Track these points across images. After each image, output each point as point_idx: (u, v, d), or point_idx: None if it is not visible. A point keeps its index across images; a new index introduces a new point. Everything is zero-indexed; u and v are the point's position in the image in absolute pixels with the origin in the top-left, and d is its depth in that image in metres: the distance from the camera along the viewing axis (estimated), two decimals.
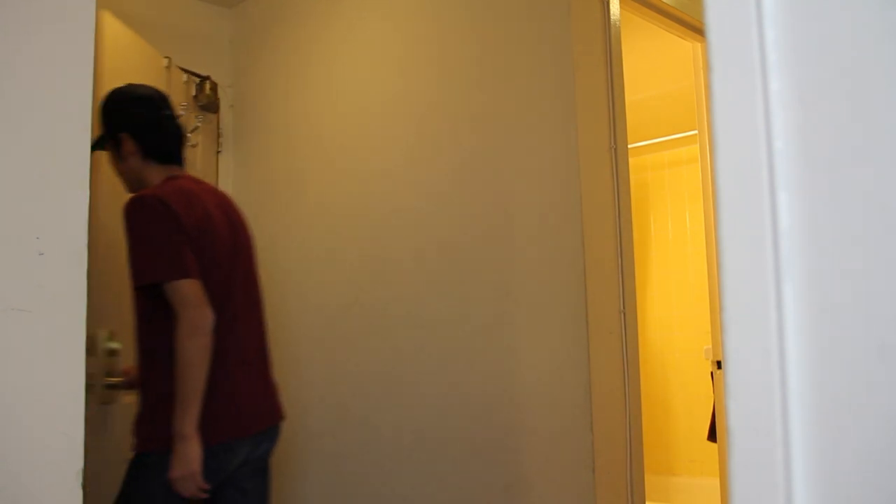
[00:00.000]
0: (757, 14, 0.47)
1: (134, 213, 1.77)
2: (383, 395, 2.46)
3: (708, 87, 0.51)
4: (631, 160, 2.23)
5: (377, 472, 2.46)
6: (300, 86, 2.91)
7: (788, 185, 0.46)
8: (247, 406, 1.85)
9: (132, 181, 1.95)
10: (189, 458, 1.69)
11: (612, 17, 2.18)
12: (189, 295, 1.71)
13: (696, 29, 2.64)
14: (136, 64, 2.55)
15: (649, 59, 3.74)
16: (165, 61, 2.75)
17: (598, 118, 2.11)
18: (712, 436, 3.10)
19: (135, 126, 1.91)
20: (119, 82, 2.34)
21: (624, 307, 2.09)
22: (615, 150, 2.13)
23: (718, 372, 2.90)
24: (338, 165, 2.71)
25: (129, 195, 1.87)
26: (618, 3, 2.21)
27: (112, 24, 2.38)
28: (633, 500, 2.02)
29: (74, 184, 0.89)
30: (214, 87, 3.03)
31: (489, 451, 2.16)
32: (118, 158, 1.93)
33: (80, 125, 0.91)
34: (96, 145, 1.98)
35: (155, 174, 1.91)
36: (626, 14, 2.34)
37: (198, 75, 3.04)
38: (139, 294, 1.81)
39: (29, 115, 0.87)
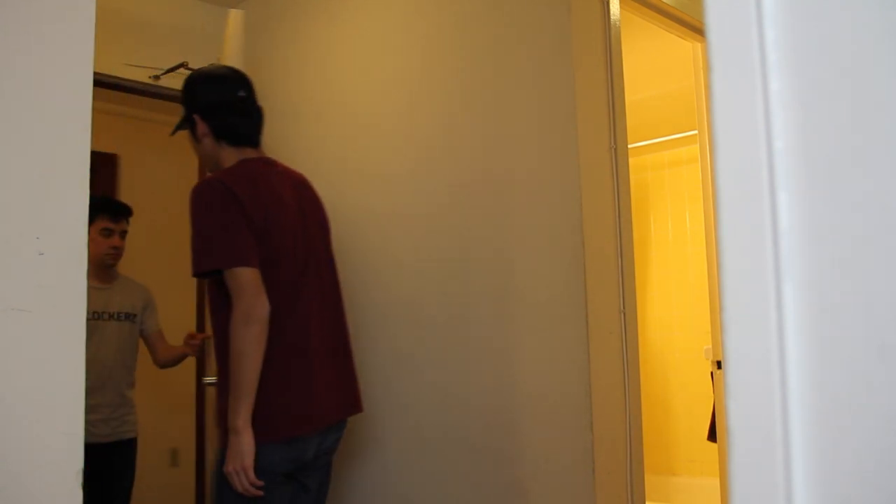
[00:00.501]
0: (757, 14, 0.47)
1: (196, 199, 1.75)
2: (383, 395, 2.45)
3: (708, 87, 0.51)
4: (631, 160, 2.23)
5: (376, 471, 2.46)
6: (301, 85, 2.91)
7: (788, 185, 0.46)
8: (320, 399, 1.80)
9: (209, 163, 1.96)
10: (241, 453, 1.65)
11: (612, 17, 2.18)
12: (245, 283, 1.67)
13: (696, 29, 2.64)
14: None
15: (649, 59, 3.74)
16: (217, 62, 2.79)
17: (598, 118, 2.11)
18: (712, 436, 3.10)
19: (206, 107, 1.90)
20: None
21: (624, 307, 2.09)
22: (615, 150, 2.13)
23: (718, 372, 2.90)
24: (337, 167, 2.71)
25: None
26: (618, 3, 2.21)
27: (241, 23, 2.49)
28: (633, 500, 2.02)
29: (74, 184, 0.89)
30: None
31: (489, 451, 2.16)
32: (194, 140, 1.93)
33: (81, 125, 0.90)
34: (179, 126, 2.01)
35: (229, 156, 1.90)
36: (626, 14, 2.34)
37: None
38: (207, 284, 1.80)
39: (29, 115, 0.87)
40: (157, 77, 3.05)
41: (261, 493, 1.70)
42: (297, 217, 1.87)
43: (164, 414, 4.28)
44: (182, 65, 3.04)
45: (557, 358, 2.04)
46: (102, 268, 2.78)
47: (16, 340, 0.83)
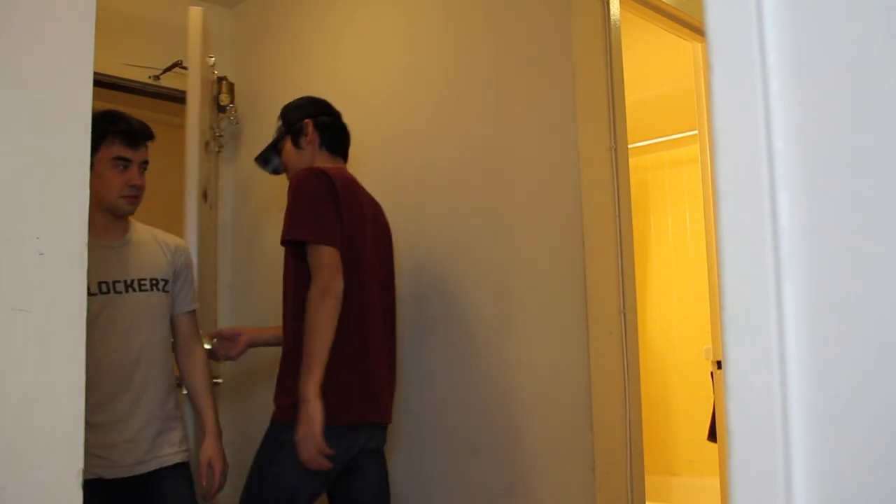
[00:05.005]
0: (757, 14, 0.47)
1: (301, 179, 1.90)
2: None
3: (708, 87, 0.51)
4: (631, 160, 2.23)
5: None
6: (300, 85, 2.91)
7: (788, 185, 0.46)
8: (377, 394, 1.92)
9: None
10: (311, 419, 1.72)
11: (612, 17, 2.18)
12: (326, 260, 1.81)
13: (696, 29, 2.64)
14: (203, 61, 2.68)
15: (649, 59, 3.74)
16: (211, 60, 2.78)
17: (598, 118, 2.11)
18: (712, 436, 3.10)
19: (316, 116, 2.10)
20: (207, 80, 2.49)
21: (624, 307, 2.09)
22: (615, 150, 2.13)
23: (718, 372, 2.90)
24: None
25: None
26: (618, 3, 2.21)
27: (200, 20, 2.55)
28: (633, 500, 2.02)
29: (74, 184, 0.89)
30: (231, 87, 3.07)
31: (489, 451, 2.16)
32: (296, 148, 2.09)
33: (81, 125, 0.90)
34: (262, 157, 2.18)
35: (324, 163, 2.06)
36: (626, 14, 2.34)
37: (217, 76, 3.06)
38: (290, 255, 1.92)
39: (29, 115, 0.87)
40: (156, 77, 3.05)
41: (329, 464, 1.76)
42: (372, 233, 2.02)
43: None
44: (177, 63, 3.03)
45: (557, 358, 2.04)
46: (113, 217, 1.92)
47: (16, 340, 0.83)
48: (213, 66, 2.83)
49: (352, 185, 1.99)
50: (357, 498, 1.96)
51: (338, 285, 1.80)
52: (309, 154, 2.07)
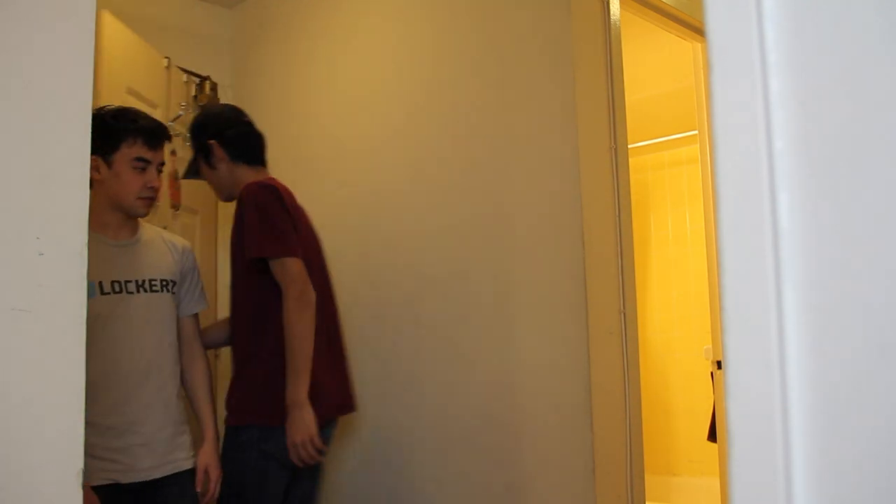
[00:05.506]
0: (757, 14, 0.47)
1: (252, 196, 1.92)
2: (383, 396, 2.45)
3: (708, 87, 0.51)
4: (631, 160, 2.23)
5: (376, 471, 2.46)
6: (300, 85, 2.91)
7: (788, 185, 0.46)
8: (328, 393, 1.97)
9: (225, 187, 2.09)
10: (307, 423, 1.82)
11: (612, 17, 2.18)
12: (296, 271, 1.86)
13: (696, 29, 2.64)
14: (135, 64, 2.55)
15: (649, 59, 3.74)
16: (165, 61, 2.75)
17: (598, 118, 2.11)
18: (712, 436, 3.10)
19: (220, 133, 2.06)
20: (118, 82, 2.33)
21: (624, 307, 2.09)
22: (615, 150, 2.13)
23: (718, 372, 2.90)
24: (337, 166, 2.71)
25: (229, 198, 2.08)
26: (618, 3, 2.21)
27: (112, 24, 2.39)
28: (633, 500, 2.02)
29: (74, 184, 0.89)
30: (214, 86, 3.03)
31: (489, 451, 2.16)
32: (210, 168, 2.08)
33: (81, 125, 0.90)
34: (188, 172, 2.16)
35: (247, 176, 2.05)
36: (626, 14, 2.34)
37: (197, 75, 3.04)
38: (248, 270, 1.94)
39: (29, 115, 0.87)
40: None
41: (322, 458, 1.90)
42: (312, 240, 2.07)
43: None
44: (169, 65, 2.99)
45: (557, 358, 2.04)
46: (126, 216, 1.90)
47: (16, 340, 0.83)
48: (168, 66, 2.79)
49: (292, 195, 2.03)
50: (295, 490, 2.00)
51: (311, 294, 1.87)
52: (226, 171, 2.06)
